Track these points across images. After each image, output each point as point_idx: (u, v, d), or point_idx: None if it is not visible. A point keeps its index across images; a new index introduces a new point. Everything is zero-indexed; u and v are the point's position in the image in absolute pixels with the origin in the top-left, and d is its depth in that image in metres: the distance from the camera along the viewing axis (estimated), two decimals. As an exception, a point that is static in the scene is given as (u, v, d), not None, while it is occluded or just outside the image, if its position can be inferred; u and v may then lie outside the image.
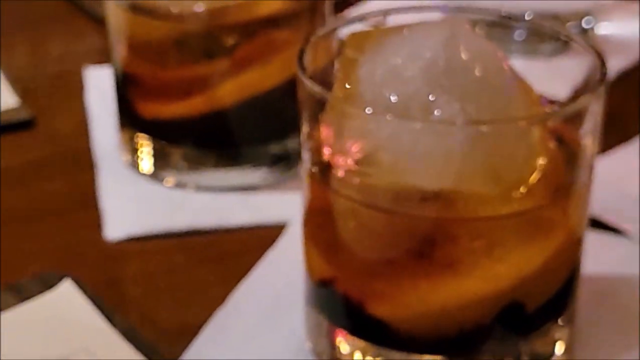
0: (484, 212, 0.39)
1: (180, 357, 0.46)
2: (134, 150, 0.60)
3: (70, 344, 0.46)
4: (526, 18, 0.70)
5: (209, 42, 0.56)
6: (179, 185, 0.59)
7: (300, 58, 0.42)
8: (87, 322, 0.47)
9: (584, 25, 0.77)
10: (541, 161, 0.40)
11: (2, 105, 0.67)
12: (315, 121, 0.41)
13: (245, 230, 0.57)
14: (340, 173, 0.40)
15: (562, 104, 0.45)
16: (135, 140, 0.60)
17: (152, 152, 0.60)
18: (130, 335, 0.46)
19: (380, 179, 0.39)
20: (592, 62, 0.43)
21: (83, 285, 0.50)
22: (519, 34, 0.54)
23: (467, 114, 0.39)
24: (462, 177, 0.39)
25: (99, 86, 0.66)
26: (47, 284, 0.49)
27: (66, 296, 0.49)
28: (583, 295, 0.48)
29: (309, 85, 0.40)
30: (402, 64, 0.40)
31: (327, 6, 0.60)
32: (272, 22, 0.57)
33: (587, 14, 0.77)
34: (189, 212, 0.58)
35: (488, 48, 0.42)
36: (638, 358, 0.48)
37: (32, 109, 0.68)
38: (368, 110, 0.39)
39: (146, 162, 0.60)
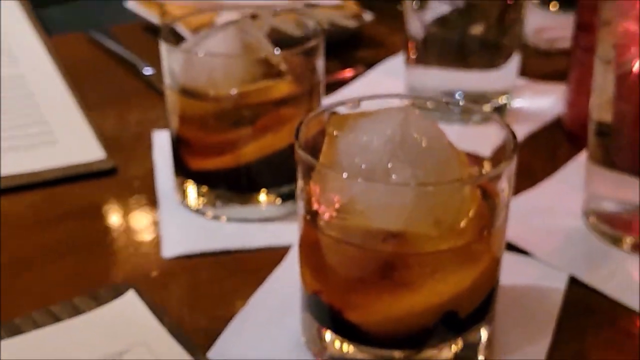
0: (429, 247, 0.39)
1: (210, 350, 0.45)
2: (184, 192, 0.59)
3: (132, 339, 0.44)
4: (458, 97, 0.69)
5: (237, 116, 0.56)
6: (215, 217, 0.58)
7: (297, 134, 0.42)
8: (145, 323, 0.45)
9: (504, 100, 0.76)
10: (471, 209, 0.40)
11: (93, 157, 0.66)
12: (307, 179, 0.41)
13: (262, 251, 0.55)
14: (324, 217, 0.40)
15: (488, 167, 0.45)
16: (185, 185, 0.59)
17: (196, 193, 0.59)
18: (176, 333, 0.44)
19: (353, 222, 0.39)
20: (506, 136, 0.42)
21: (143, 293, 0.48)
22: (456, 110, 0.54)
23: (416, 176, 0.38)
24: (413, 222, 0.38)
25: (162, 145, 0.65)
26: (118, 293, 0.48)
27: (130, 303, 0.47)
28: (500, 301, 0.47)
29: (302, 154, 0.41)
30: (369, 139, 0.39)
31: (321, 89, 0.60)
32: (282, 101, 0.57)
33: (505, 92, 0.76)
34: (222, 237, 0.57)
35: (432, 126, 0.41)
36: (542, 346, 0.46)
37: (114, 160, 0.66)
38: (344, 175, 0.38)
39: (192, 200, 0.59)
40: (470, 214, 0.39)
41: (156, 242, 0.56)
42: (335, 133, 0.41)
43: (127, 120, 0.76)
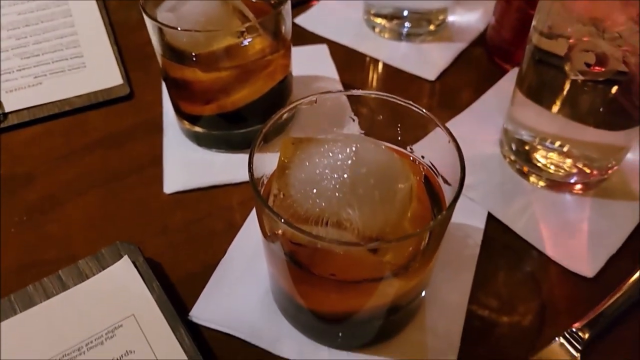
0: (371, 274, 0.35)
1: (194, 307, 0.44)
2: (183, 126, 0.56)
3: (124, 310, 0.42)
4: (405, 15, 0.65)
5: (219, 70, 0.51)
6: (206, 154, 0.55)
7: (251, 176, 0.34)
8: (135, 291, 0.43)
9: (441, 17, 0.69)
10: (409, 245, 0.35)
11: (112, 82, 0.63)
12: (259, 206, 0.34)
13: (245, 183, 0.53)
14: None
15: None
16: (182, 121, 0.55)
17: (191, 131, 0.55)
18: (162, 301, 0.43)
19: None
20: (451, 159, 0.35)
21: (140, 247, 0.46)
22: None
23: (364, 214, 0.33)
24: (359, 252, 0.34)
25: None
26: (117, 254, 0.46)
27: (125, 269, 0.45)
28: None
29: (255, 194, 0.34)
30: (321, 174, 0.34)
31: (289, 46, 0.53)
32: (258, 56, 0.50)
33: (444, 10, 0.69)
34: (212, 173, 0.53)
35: (380, 154, 0.36)
36: (466, 282, 0.45)
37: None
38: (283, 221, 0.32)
39: (189, 133, 0.56)
40: (409, 236, 0.35)
41: (159, 178, 0.53)
42: (286, 162, 0.35)
43: (145, 52, 0.64)
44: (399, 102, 0.38)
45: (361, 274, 0.35)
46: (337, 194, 0.33)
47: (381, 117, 0.40)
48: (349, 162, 0.34)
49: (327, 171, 0.34)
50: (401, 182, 0.35)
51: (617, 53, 0.40)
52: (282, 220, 0.31)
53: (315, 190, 0.33)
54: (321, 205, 0.33)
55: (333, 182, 0.33)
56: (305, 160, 0.35)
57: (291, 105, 0.38)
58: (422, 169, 0.39)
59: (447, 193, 0.37)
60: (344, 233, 0.33)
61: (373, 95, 0.39)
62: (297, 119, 0.42)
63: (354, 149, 0.34)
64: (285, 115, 0.37)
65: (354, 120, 0.40)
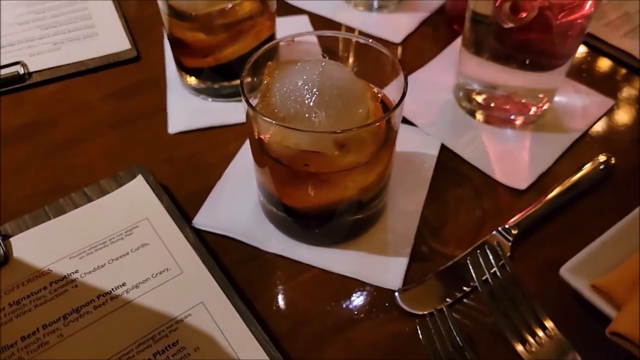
0: (338, 166, 0.42)
1: (196, 216, 0.51)
2: (183, 79, 0.65)
3: (139, 215, 0.50)
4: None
5: (214, 29, 0.58)
6: (204, 99, 0.64)
7: (241, 84, 0.42)
8: (149, 200, 0.51)
9: None
10: (369, 136, 0.43)
11: (122, 47, 0.71)
12: (250, 113, 0.42)
13: (238, 125, 0.61)
14: (264, 141, 0.43)
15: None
16: (183, 75, 0.64)
17: (191, 82, 0.63)
18: (170, 209, 0.50)
19: (280, 144, 0.42)
20: (399, 83, 0.43)
21: (151, 171, 0.54)
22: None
23: (327, 116, 0.41)
24: (321, 147, 0.42)
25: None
26: (132, 175, 0.53)
27: (139, 185, 0.52)
28: (395, 166, 0.52)
29: (245, 100, 0.42)
30: (294, 88, 0.42)
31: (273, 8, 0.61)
32: (247, 17, 0.59)
33: None
34: (209, 116, 0.61)
35: (344, 73, 0.43)
36: (420, 196, 0.53)
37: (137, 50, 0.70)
38: (273, 122, 0.40)
39: (189, 87, 0.64)
40: (371, 137, 0.42)
41: (165, 122, 0.61)
42: (269, 79, 0.43)
43: (149, 18, 0.75)
44: (361, 40, 0.47)
45: (330, 168, 0.43)
46: (306, 101, 0.41)
47: (346, 54, 0.49)
48: (316, 77, 0.42)
49: (300, 83, 0.42)
50: (360, 94, 0.43)
51: (534, 3, 0.49)
52: (265, 119, 0.40)
53: (291, 98, 0.42)
54: (296, 108, 0.41)
55: (304, 92, 0.42)
56: (283, 77, 0.43)
57: (273, 42, 0.47)
58: (379, 96, 0.47)
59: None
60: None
61: (340, 36, 0.48)
62: (277, 58, 0.50)
63: (322, 66, 0.43)
64: (268, 50, 0.46)
65: (324, 57, 0.48)
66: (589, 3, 0.48)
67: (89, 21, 0.74)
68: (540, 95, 0.58)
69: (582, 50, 0.72)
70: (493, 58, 0.56)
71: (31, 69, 0.67)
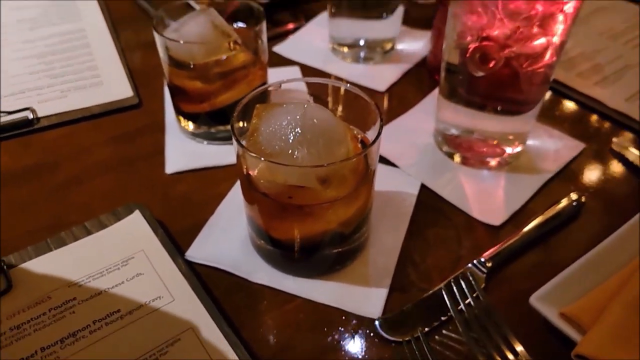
0: (320, 199, 0.45)
1: (189, 249, 0.53)
2: (180, 124, 0.68)
3: (135, 247, 0.53)
4: (362, 44, 0.77)
5: (210, 78, 0.63)
6: (199, 142, 0.67)
7: (232, 126, 0.46)
8: (144, 235, 0.54)
9: (390, 46, 0.83)
10: (350, 171, 0.46)
11: (125, 95, 0.75)
12: (240, 150, 0.45)
13: (231, 166, 0.64)
14: (252, 177, 0.46)
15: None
16: (181, 119, 0.68)
17: (188, 126, 0.67)
18: (165, 242, 0.53)
19: (267, 180, 0.45)
20: (375, 119, 0.47)
21: (148, 208, 0.57)
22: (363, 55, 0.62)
23: (311, 154, 0.44)
24: (305, 182, 0.45)
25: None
26: (130, 210, 0.56)
27: (136, 220, 0.55)
28: (374, 203, 0.54)
29: (235, 139, 0.45)
30: (279, 129, 0.45)
31: (265, 57, 0.66)
32: (240, 67, 0.63)
33: (392, 39, 0.83)
34: (204, 157, 0.65)
35: (325, 113, 0.47)
36: (400, 233, 0.55)
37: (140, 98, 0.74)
38: (262, 159, 0.43)
39: (186, 130, 0.68)
40: (350, 173, 0.45)
41: (162, 163, 0.65)
42: (257, 120, 0.46)
43: (150, 66, 0.80)
44: (344, 87, 0.51)
45: (313, 201, 0.46)
46: (290, 139, 0.45)
47: (331, 100, 0.53)
48: (299, 117, 0.45)
49: (284, 123, 0.45)
50: (341, 134, 0.47)
51: (501, 53, 0.54)
52: (253, 155, 0.43)
53: (276, 136, 0.45)
54: (281, 146, 0.45)
55: (288, 131, 0.45)
56: (269, 118, 0.47)
57: (262, 87, 0.51)
58: (359, 137, 0.51)
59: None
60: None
61: (325, 83, 0.52)
62: (267, 101, 0.54)
63: (304, 108, 0.46)
64: (258, 95, 0.50)
65: (309, 101, 0.52)
66: (549, 53, 0.53)
67: (95, 71, 0.79)
68: (511, 138, 0.62)
69: (555, 97, 0.77)
70: (467, 104, 0.60)
71: (40, 115, 0.72)
